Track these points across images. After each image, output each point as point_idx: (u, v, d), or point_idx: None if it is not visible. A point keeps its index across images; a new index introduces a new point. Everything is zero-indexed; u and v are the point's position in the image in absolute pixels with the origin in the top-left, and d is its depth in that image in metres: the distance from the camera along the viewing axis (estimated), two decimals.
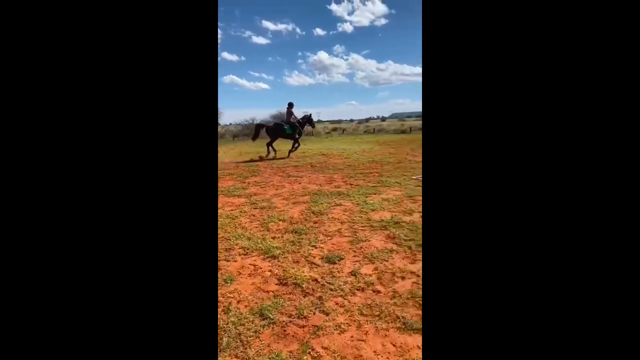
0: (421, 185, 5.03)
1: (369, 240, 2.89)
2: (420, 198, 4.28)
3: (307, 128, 10.73)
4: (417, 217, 3.50)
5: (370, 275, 2.27)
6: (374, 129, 25.16)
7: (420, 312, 1.80)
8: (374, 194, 4.61)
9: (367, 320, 1.76)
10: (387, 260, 2.47)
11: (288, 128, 9.48)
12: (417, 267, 2.34)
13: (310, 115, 10.08)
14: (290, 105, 9.65)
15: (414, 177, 5.68)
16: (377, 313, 1.82)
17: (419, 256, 2.52)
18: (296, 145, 9.71)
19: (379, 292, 2.05)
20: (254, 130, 10.08)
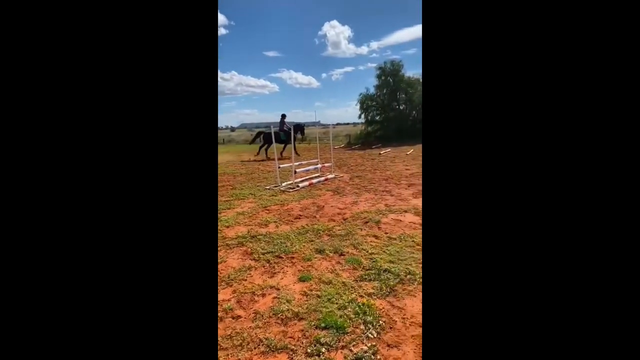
0: (275, 195, 5.12)
1: (225, 261, 2.68)
2: (275, 207, 4.35)
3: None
4: (272, 228, 3.51)
5: (228, 300, 2.08)
6: (224, 139, 24.43)
7: (283, 328, 1.76)
8: (228, 208, 4.39)
9: (228, 355, 1.59)
10: (245, 280, 2.34)
11: (282, 135, 11.14)
12: (276, 280, 2.32)
13: (301, 124, 11.87)
14: (284, 116, 11.42)
15: (267, 187, 5.75)
16: (239, 342, 1.67)
17: (278, 268, 2.51)
18: (286, 146, 11.65)
19: (239, 317, 1.90)
20: (254, 136, 12.67)
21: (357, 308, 1.90)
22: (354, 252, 2.75)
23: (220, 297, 2.12)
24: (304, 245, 2.94)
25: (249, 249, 2.90)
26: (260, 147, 11.80)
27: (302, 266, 2.52)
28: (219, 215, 4.05)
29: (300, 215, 3.96)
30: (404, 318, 1.82)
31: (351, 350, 1.57)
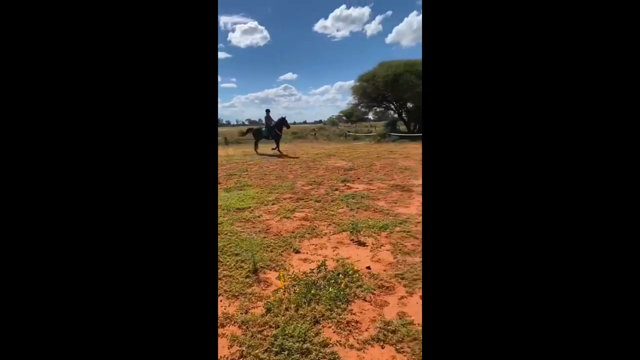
0: None
1: None
2: None
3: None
4: None
5: None
6: None
7: None
8: None
9: None
10: None
11: (265, 131, 11.28)
12: None
13: (284, 118, 11.38)
14: (268, 111, 11.39)
15: None
16: None
17: None
18: (274, 146, 11.14)
19: None
20: (244, 133, 12.76)
21: None
22: None
23: None
24: None
25: None
26: (255, 145, 11.57)
27: None
28: None
29: None
30: None
31: None
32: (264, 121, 11.75)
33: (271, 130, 11.22)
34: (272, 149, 11.18)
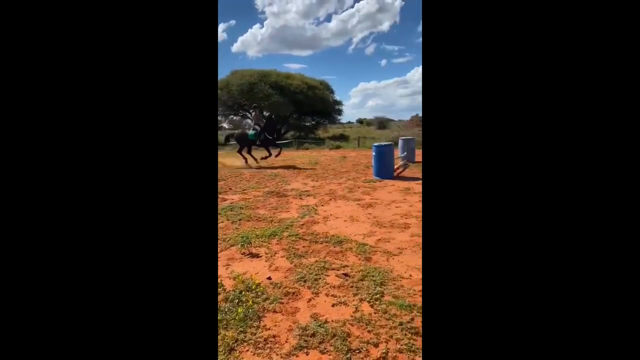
0: None
1: None
2: None
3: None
4: None
5: None
6: None
7: None
8: None
9: None
10: None
11: (252, 134, 8.53)
12: None
13: (273, 118, 9.49)
14: (255, 107, 9.96)
15: None
16: None
17: None
18: (269, 154, 8.69)
19: None
20: (224, 140, 10.10)
21: None
22: None
23: None
24: None
25: None
26: (239, 153, 8.82)
27: None
28: None
29: None
30: None
31: None
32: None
33: (260, 133, 8.49)
34: (262, 158, 8.63)
